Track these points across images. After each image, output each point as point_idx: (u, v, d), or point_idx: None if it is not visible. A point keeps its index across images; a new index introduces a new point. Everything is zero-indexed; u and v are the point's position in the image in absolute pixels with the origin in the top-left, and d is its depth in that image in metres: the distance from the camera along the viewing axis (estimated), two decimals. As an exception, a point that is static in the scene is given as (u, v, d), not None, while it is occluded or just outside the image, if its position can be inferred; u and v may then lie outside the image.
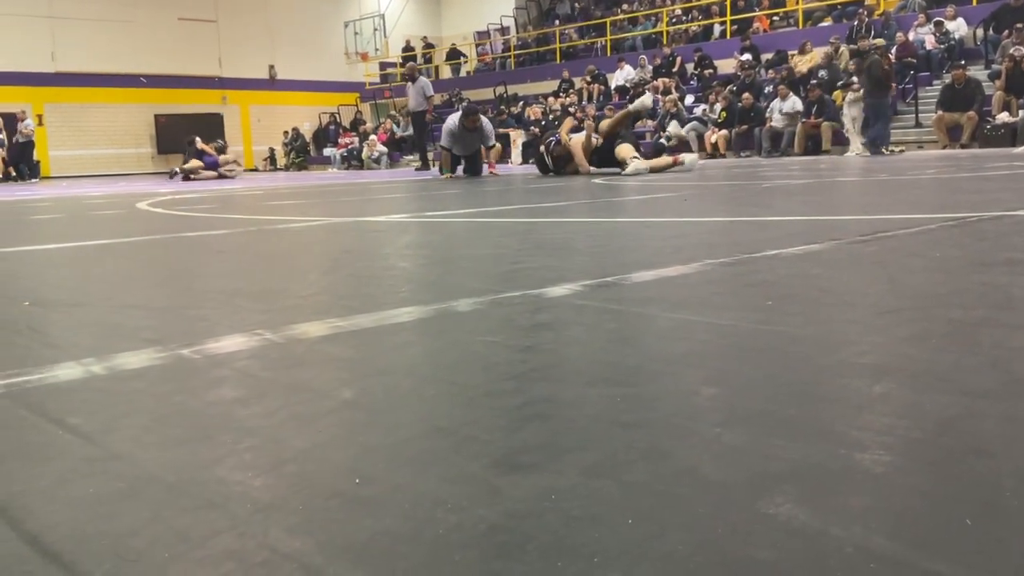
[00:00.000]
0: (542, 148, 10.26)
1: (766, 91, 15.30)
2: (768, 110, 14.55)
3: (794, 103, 14.14)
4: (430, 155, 14.74)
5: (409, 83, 14.81)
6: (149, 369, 1.31)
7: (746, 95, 14.90)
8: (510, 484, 0.80)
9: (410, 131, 22.75)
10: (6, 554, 0.69)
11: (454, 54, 26.00)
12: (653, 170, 9.64)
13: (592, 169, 9.56)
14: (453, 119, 10.49)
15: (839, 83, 13.68)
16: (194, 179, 15.13)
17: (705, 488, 0.79)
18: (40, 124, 22.23)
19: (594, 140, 9.68)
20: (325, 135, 23.96)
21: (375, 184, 9.95)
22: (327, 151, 22.54)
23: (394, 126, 21.61)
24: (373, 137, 20.52)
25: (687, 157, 10.04)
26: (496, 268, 2.35)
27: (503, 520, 0.73)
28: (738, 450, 0.88)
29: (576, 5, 23.98)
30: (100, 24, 22.81)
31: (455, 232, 3.65)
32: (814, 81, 14.15)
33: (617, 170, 9.15)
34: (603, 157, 9.56)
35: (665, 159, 10.36)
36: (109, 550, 0.69)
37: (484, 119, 10.93)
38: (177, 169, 15.91)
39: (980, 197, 4.14)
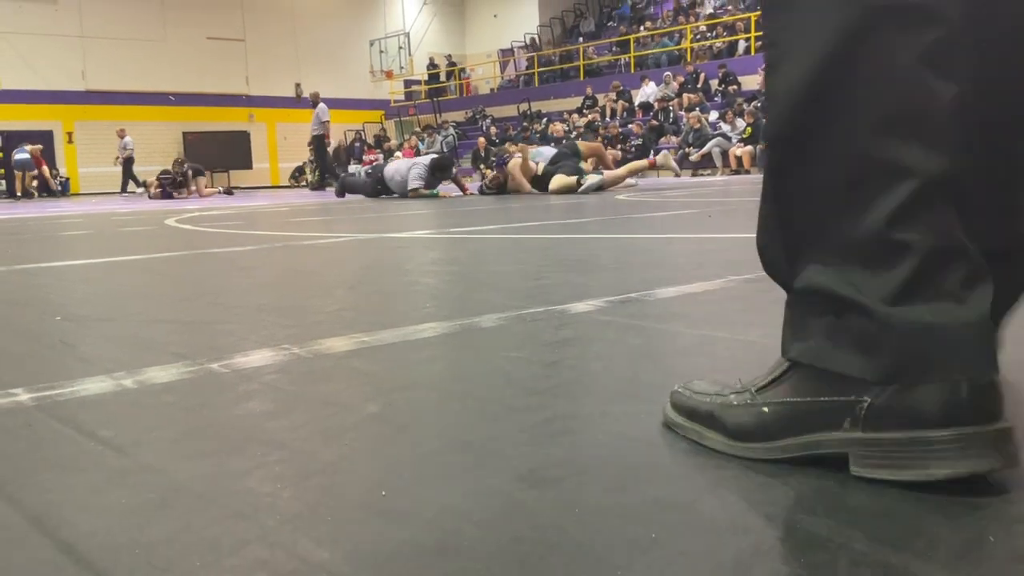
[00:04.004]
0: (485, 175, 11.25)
1: (791, 107, 15.25)
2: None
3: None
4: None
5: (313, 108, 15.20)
6: (178, 383, 1.33)
7: (771, 111, 14.85)
8: (534, 498, 0.81)
9: (435, 147, 22.92)
10: (42, 561, 0.71)
11: (459, 73, 26.35)
12: (630, 174, 9.99)
13: (534, 191, 10.14)
14: (422, 170, 10.62)
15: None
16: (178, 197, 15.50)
17: (729, 505, 0.79)
18: (70, 142, 22.65)
19: (533, 167, 10.20)
20: (350, 152, 24.17)
21: (399, 201, 10.02)
22: (352, 168, 22.74)
23: (419, 143, 21.76)
24: (398, 154, 20.69)
25: (660, 160, 10.46)
26: (519, 284, 2.36)
27: (527, 533, 0.73)
28: (763, 467, 0.88)
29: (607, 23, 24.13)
30: (130, 43, 23.20)
31: (478, 248, 3.67)
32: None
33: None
34: (542, 185, 10.13)
35: (640, 163, 10.68)
36: (142, 559, 0.71)
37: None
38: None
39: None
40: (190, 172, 16.30)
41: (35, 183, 18.83)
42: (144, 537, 0.75)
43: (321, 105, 15.29)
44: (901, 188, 0.78)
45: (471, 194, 11.04)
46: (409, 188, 10.43)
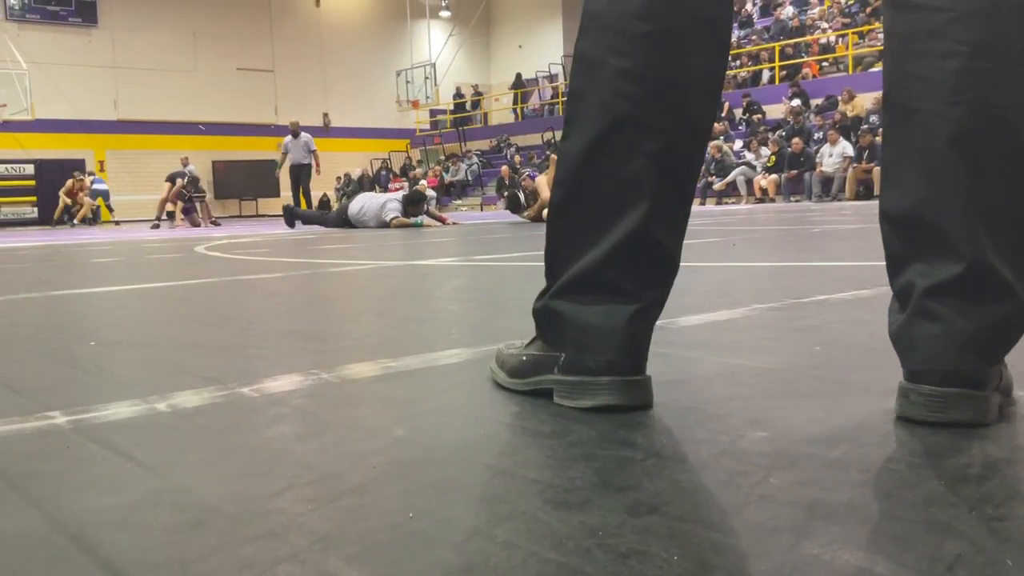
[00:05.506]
0: (517, 188, 11.23)
1: (816, 136, 15.24)
2: (818, 155, 14.47)
3: (844, 148, 14.06)
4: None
5: (290, 137, 15.29)
6: (210, 406, 1.36)
7: (795, 140, 14.85)
8: (558, 520, 0.83)
9: (460, 176, 23.05)
10: (82, 577, 0.74)
11: (460, 107, 26.82)
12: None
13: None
14: (396, 204, 11.03)
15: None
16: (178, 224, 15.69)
17: (751, 528, 0.80)
18: (102, 170, 23.07)
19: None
20: (376, 180, 24.41)
21: (425, 228, 10.10)
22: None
23: (443, 172, 21.94)
24: (423, 182, 20.88)
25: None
26: (544, 311, 2.37)
27: (552, 555, 0.75)
28: (784, 491, 0.89)
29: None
30: (161, 73, 23.64)
31: (503, 275, 3.70)
32: (865, 126, 14.07)
33: None
34: None
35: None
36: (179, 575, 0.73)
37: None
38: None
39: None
40: (192, 196, 16.44)
41: (66, 216, 19.26)
42: (179, 555, 0.77)
43: (304, 135, 15.46)
44: (614, 234, 1.18)
45: (452, 223, 11.41)
46: (389, 219, 10.72)
